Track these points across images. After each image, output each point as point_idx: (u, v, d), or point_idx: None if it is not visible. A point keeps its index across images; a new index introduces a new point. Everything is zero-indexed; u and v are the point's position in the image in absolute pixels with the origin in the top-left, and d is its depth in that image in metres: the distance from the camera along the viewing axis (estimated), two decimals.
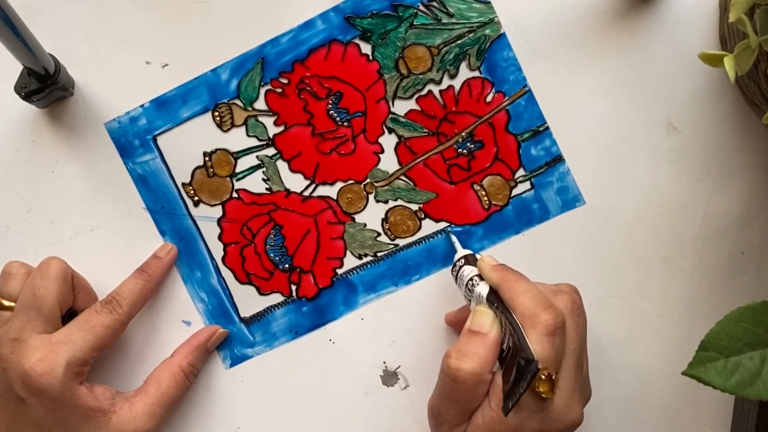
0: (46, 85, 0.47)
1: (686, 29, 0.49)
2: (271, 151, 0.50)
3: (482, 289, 0.44)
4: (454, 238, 0.49)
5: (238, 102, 0.50)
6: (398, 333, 0.51)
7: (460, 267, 0.46)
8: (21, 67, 0.47)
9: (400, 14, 0.49)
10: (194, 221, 0.50)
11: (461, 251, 0.48)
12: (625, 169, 0.50)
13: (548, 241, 0.50)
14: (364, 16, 0.49)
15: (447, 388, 0.41)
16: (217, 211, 0.50)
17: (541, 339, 0.39)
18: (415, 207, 0.50)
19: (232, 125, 0.50)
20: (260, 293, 0.51)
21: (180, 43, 0.50)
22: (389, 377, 0.51)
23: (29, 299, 0.45)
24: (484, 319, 0.42)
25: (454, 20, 0.49)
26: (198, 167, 0.50)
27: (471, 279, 0.45)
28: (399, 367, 0.51)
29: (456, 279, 0.47)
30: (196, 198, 0.50)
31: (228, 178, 0.50)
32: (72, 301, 0.47)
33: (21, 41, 0.43)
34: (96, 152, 0.50)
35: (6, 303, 0.46)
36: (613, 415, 0.51)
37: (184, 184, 0.50)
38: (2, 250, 0.50)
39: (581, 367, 0.42)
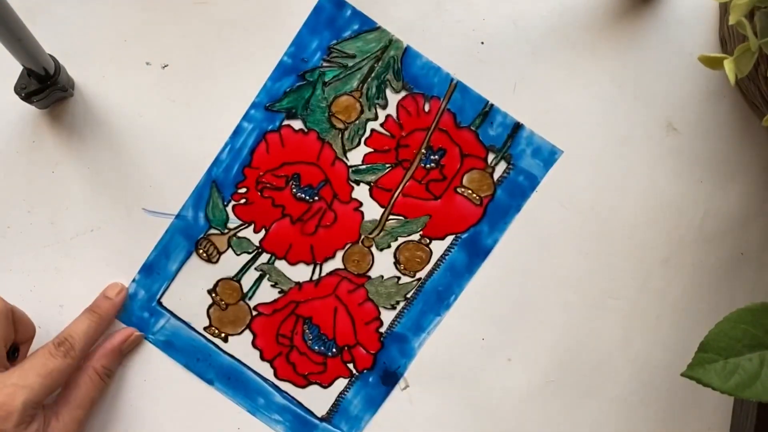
0: (46, 86, 0.47)
1: (686, 30, 0.49)
2: (264, 257, 0.50)
3: None
4: None
5: (213, 231, 0.50)
6: None
7: None
8: (21, 68, 0.47)
9: (309, 79, 0.50)
10: (232, 356, 0.51)
11: None
12: (625, 169, 0.50)
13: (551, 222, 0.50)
14: (280, 99, 0.50)
15: None
16: (247, 336, 0.51)
17: None
18: (416, 237, 0.50)
19: (219, 254, 0.50)
20: (324, 387, 0.51)
21: (180, 44, 0.50)
22: (389, 377, 0.51)
23: None
24: None
25: (357, 59, 0.50)
26: (210, 306, 0.51)
27: None
28: (399, 367, 0.51)
29: None
30: (222, 335, 0.51)
31: (241, 302, 0.51)
32: (14, 336, 0.47)
33: (21, 42, 0.43)
34: (96, 152, 0.50)
35: None
36: (613, 415, 0.51)
37: (205, 328, 0.51)
38: (2, 251, 0.51)
39: None
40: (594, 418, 0.50)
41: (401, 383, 0.51)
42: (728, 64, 0.38)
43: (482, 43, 0.49)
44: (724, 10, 0.47)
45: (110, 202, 0.50)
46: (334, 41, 0.50)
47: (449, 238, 0.50)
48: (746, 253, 0.50)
